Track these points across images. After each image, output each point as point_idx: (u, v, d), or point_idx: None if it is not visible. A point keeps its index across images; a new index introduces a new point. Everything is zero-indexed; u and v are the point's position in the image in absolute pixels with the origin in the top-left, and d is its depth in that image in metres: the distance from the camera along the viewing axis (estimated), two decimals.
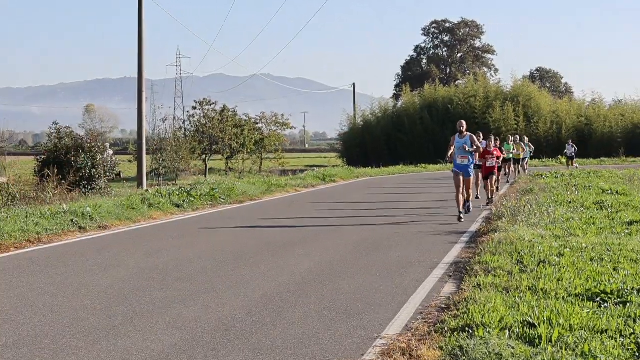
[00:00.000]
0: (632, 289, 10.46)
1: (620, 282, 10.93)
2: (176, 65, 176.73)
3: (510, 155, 39.35)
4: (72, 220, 20.20)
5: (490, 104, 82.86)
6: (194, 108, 78.15)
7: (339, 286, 12.27)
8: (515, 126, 79.86)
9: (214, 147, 75.82)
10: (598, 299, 10.13)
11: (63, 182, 28.51)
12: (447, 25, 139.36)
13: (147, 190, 29.87)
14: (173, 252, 16.27)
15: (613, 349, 7.99)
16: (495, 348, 8.00)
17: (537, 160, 71.34)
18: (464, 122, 22.13)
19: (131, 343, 9.01)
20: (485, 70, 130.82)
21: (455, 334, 8.78)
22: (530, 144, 47.01)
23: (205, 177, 62.54)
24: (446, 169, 24.33)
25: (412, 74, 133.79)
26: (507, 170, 39.36)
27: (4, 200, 25.69)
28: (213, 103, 77.96)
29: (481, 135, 26.52)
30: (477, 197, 27.40)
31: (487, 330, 8.63)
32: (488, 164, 27.01)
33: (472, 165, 22.11)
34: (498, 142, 29.68)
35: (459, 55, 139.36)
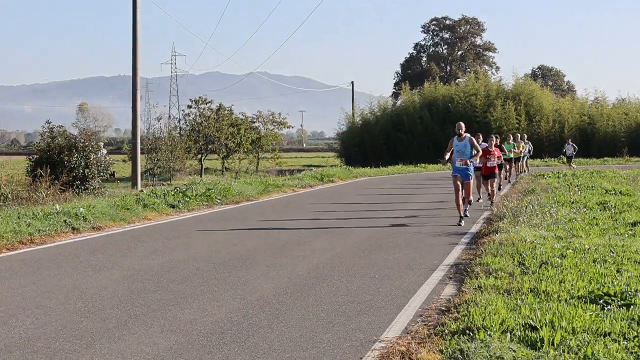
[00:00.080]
0: (636, 291, 10.47)
1: (624, 284, 10.93)
2: (171, 63, 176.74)
3: (511, 155, 39.37)
4: (65, 221, 20.20)
5: (492, 103, 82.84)
6: (190, 107, 78.03)
7: (337, 288, 12.28)
8: (517, 125, 79.84)
9: (210, 146, 75.71)
10: (601, 301, 10.14)
11: (56, 182, 28.49)
12: (448, 22, 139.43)
13: (141, 191, 29.88)
14: (168, 254, 16.27)
15: (616, 352, 7.99)
16: (497, 351, 8.01)
17: (539, 159, 71.41)
18: (462, 124, 21.98)
19: (125, 346, 9.01)
20: (486, 68, 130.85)
21: (456, 336, 8.78)
22: (529, 142, 46.97)
23: (201, 177, 62.41)
24: (446, 169, 24.31)
25: (411, 72, 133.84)
26: (508, 169, 39.33)
27: None
28: (209, 102, 77.84)
29: (481, 136, 26.44)
30: (477, 200, 27.36)
31: (488, 333, 8.64)
32: (489, 164, 26.90)
33: (472, 168, 21.97)
34: (498, 141, 29.65)
35: (460, 53, 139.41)
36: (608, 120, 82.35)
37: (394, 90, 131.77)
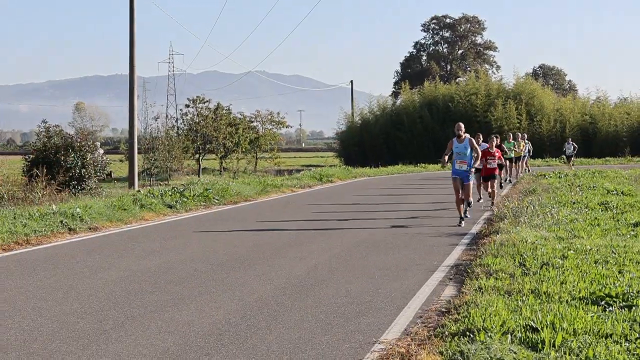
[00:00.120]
0: (638, 292, 10.48)
1: (626, 285, 10.94)
2: (169, 62, 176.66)
3: (512, 154, 39.35)
4: (61, 222, 20.19)
5: (492, 102, 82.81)
6: (187, 106, 78.10)
7: (336, 289, 12.28)
8: (518, 125, 79.82)
9: (208, 146, 75.76)
10: (603, 302, 10.14)
11: (52, 182, 28.52)
12: (448, 21, 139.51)
13: (138, 191, 29.87)
14: (165, 254, 16.27)
15: (618, 354, 8.00)
16: (497, 353, 8.01)
17: (540, 159, 71.40)
18: (462, 125, 21.75)
19: (122, 348, 9.01)
20: (487, 67, 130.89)
21: (456, 338, 8.78)
22: (529, 142, 46.96)
23: (199, 177, 62.51)
24: (446, 168, 24.32)
25: (411, 71, 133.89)
26: (509, 168, 39.28)
27: None
28: (207, 101, 77.89)
29: (481, 136, 26.40)
30: (478, 200, 27.31)
31: (489, 334, 8.64)
32: (489, 165, 26.83)
33: (472, 171, 21.87)
34: (498, 141, 29.62)
35: (460, 51, 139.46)
36: (610, 120, 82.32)
37: (393, 89, 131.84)
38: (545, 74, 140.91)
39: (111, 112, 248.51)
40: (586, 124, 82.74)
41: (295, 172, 55.13)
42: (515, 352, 8.06)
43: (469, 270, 13.28)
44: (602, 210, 21.48)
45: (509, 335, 8.60)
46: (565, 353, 8.01)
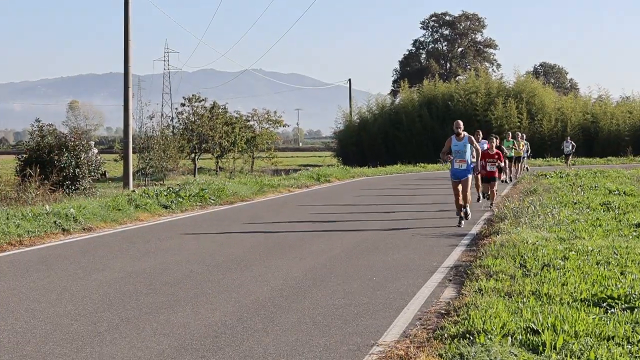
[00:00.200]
0: None
1: (628, 286, 10.94)
2: (164, 60, 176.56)
3: (512, 153, 39.35)
4: (55, 222, 20.18)
5: (492, 101, 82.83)
6: (183, 105, 78.08)
7: (334, 291, 12.28)
8: (519, 124, 79.86)
9: (204, 145, 75.76)
10: (604, 304, 10.14)
11: (46, 182, 28.48)
12: (447, 18, 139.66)
13: (133, 191, 29.87)
14: (161, 256, 16.27)
15: (620, 356, 8.00)
16: (497, 355, 8.01)
17: (540, 159, 71.45)
18: (461, 123, 21.50)
19: (117, 350, 9.01)
20: (487, 65, 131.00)
21: (456, 340, 8.78)
22: (527, 143, 46.96)
23: (195, 177, 62.46)
24: (446, 168, 24.29)
25: (410, 70, 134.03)
26: (509, 168, 39.22)
27: None
28: (202, 99, 77.89)
29: (480, 133, 26.32)
30: (478, 200, 27.23)
31: (489, 337, 8.64)
32: (489, 168, 26.51)
33: (471, 168, 21.71)
34: (498, 141, 29.57)
35: (460, 49, 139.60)
36: (612, 119, 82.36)
37: (392, 88, 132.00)
38: (546, 72, 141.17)
39: (105, 110, 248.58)
40: (588, 123, 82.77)
41: (293, 172, 55.04)
42: (515, 355, 8.06)
43: (468, 272, 13.29)
44: (604, 211, 21.50)
45: (510, 338, 8.60)
46: (566, 356, 8.02)
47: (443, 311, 10.68)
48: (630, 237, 16.40)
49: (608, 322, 9.20)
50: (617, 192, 26.79)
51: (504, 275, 12.19)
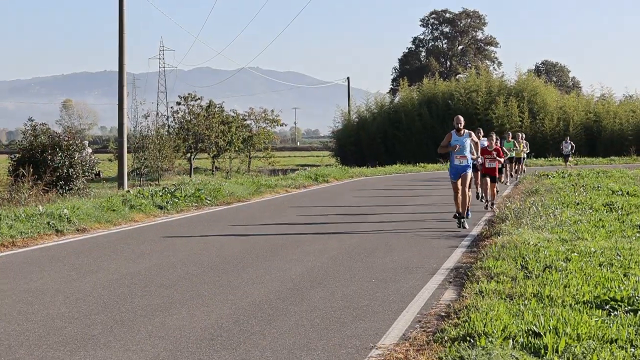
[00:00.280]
0: None
1: (631, 288, 10.95)
2: (159, 58, 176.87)
3: (512, 154, 39.33)
4: (48, 223, 20.18)
5: (493, 100, 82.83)
6: (178, 103, 78.07)
7: (332, 293, 12.28)
8: (520, 123, 79.87)
9: (200, 145, 75.73)
10: (607, 306, 10.15)
11: (39, 182, 28.45)
12: (447, 15, 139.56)
13: (128, 191, 29.85)
14: (156, 257, 16.27)
15: (623, 359, 8.01)
16: (498, 359, 8.02)
17: (542, 159, 71.47)
18: (461, 118, 21.21)
19: (111, 353, 9.01)
20: (488, 63, 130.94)
21: (456, 343, 8.78)
22: (527, 142, 46.90)
23: (190, 177, 62.51)
24: (446, 168, 24.29)
25: (410, 68, 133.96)
26: (509, 171, 39.15)
27: None
28: (198, 98, 77.86)
29: (481, 131, 26.27)
30: (477, 197, 27.16)
31: (490, 339, 8.64)
32: (487, 165, 26.42)
33: (471, 164, 21.43)
34: (498, 141, 29.53)
35: (460, 47, 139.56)
36: (615, 118, 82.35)
37: (391, 86, 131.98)
38: (548, 71, 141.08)
39: (100, 109, 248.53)
40: (590, 122, 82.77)
41: (290, 172, 55.07)
42: (517, 358, 8.07)
43: (469, 273, 13.29)
44: (606, 212, 21.50)
45: (511, 341, 8.61)
46: (568, 359, 8.03)
47: (443, 313, 10.68)
48: (634, 238, 16.39)
49: (611, 324, 9.21)
50: (620, 193, 26.79)
51: (505, 277, 12.20)
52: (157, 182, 57.72)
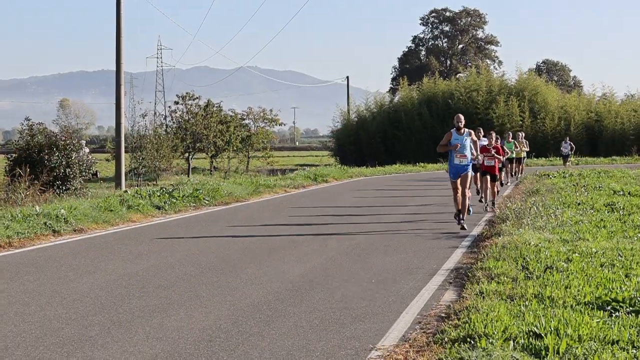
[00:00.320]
0: None
1: (633, 289, 10.94)
2: (157, 57, 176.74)
3: (513, 155, 39.30)
4: (45, 223, 20.18)
5: (494, 99, 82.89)
6: (176, 103, 78.10)
7: (331, 294, 12.28)
8: (521, 122, 79.92)
9: (198, 144, 75.76)
10: (609, 307, 10.15)
11: (35, 182, 28.46)
12: (448, 14, 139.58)
13: (125, 191, 29.85)
14: (153, 258, 16.26)
15: None
16: None
17: (543, 159, 71.49)
18: (462, 117, 21.03)
19: (108, 355, 9.01)
20: (488, 62, 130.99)
21: (456, 345, 8.78)
22: (526, 141, 46.82)
23: (188, 176, 62.54)
24: (446, 167, 24.30)
25: (409, 67, 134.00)
26: (509, 170, 39.06)
27: None
28: (196, 97, 77.88)
29: (481, 131, 26.22)
30: (480, 199, 27.16)
31: (490, 341, 8.64)
32: (486, 163, 26.35)
33: (471, 164, 21.26)
34: (499, 140, 29.48)
35: (460, 46, 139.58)
36: (616, 118, 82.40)
37: (391, 85, 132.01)
38: (549, 70, 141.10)
39: (97, 109, 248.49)
40: (592, 122, 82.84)
41: (289, 172, 55.09)
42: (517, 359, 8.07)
43: (469, 274, 13.28)
44: (608, 212, 21.50)
45: (512, 342, 8.61)
46: None
47: (443, 314, 10.68)
48: (635, 238, 16.39)
49: (612, 325, 9.20)
50: (621, 193, 26.79)
51: (505, 278, 12.19)
52: (154, 182, 57.71)
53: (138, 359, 8.84)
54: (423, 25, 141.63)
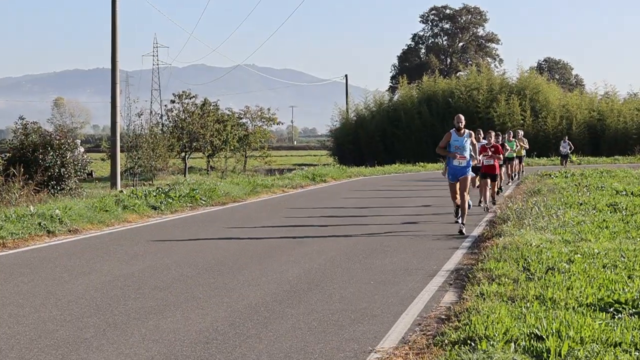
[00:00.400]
0: None
1: (636, 291, 10.95)
2: (153, 55, 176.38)
3: (514, 154, 39.27)
4: (39, 224, 20.17)
5: (495, 98, 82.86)
6: (173, 101, 78.12)
7: (330, 295, 12.28)
8: (522, 121, 79.90)
9: (194, 144, 75.78)
10: (611, 309, 10.15)
11: (30, 182, 28.44)
12: (448, 11, 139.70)
13: (121, 191, 29.84)
14: (149, 258, 16.26)
15: None
16: None
17: (545, 158, 71.47)
18: (462, 117, 20.77)
19: (104, 357, 9.00)
20: (489, 60, 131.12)
21: (457, 347, 8.78)
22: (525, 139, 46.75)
23: (185, 176, 62.40)
24: (443, 168, 24.27)
25: (409, 65, 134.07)
26: (509, 170, 39.00)
27: None
28: (193, 96, 77.92)
29: (481, 132, 26.18)
30: (479, 202, 27.09)
31: (491, 343, 8.64)
32: (486, 162, 26.29)
33: (470, 165, 21.05)
34: (500, 139, 29.45)
35: (461, 44, 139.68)
36: (619, 117, 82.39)
37: (390, 84, 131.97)
38: (551, 68, 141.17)
39: (92, 108, 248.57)
40: (594, 121, 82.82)
41: (287, 172, 55.07)
42: None
43: (470, 275, 13.29)
44: (610, 212, 21.50)
45: (513, 344, 8.61)
46: None
47: (443, 316, 10.68)
48: (638, 239, 16.39)
49: (615, 327, 9.21)
50: (624, 193, 26.79)
51: (506, 279, 12.19)
52: (150, 182, 57.72)
53: None
54: (423, 22, 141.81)
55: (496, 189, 26.74)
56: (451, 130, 20.66)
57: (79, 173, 33.19)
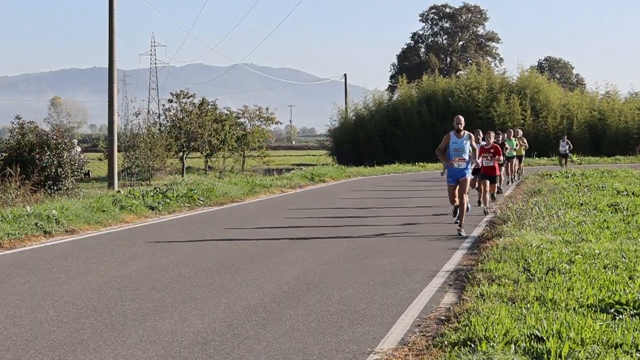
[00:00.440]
0: None
1: (637, 291, 10.95)
2: (151, 54, 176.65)
3: (514, 153, 39.24)
4: (36, 224, 20.16)
5: (495, 97, 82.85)
6: (170, 101, 78.09)
7: (328, 296, 12.28)
8: (522, 121, 79.88)
9: (192, 143, 75.75)
10: (612, 310, 10.15)
11: (26, 182, 28.44)
12: (448, 10, 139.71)
13: (118, 191, 29.84)
14: (147, 259, 16.25)
15: None
16: None
17: (545, 158, 71.46)
18: (462, 119, 20.81)
19: (101, 358, 9.00)
20: (489, 59, 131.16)
21: (456, 348, 8.78)
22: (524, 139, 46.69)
23: (183, 176, 62.44)
24: (442, 168, 24.28)
25: (409, 64, 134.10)
26: (510, 170, 38.96)
27: None
28: (191, 95, 77.90)
29: (481, 133, 26.13)
30: (478, 203, 27.04)
31: (491, 344, 8.64)
32: (485, 163, 26.27)
33: (470, 168, 20.96)
34: (500, 138, 29.41)
35: (461, 43, 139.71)
36: (620, 116, 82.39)
37: (390, 83, 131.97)
38: (552, 67, 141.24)
39: (89, 107, 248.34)
40: (595, 121, 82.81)
41: (285, 172, 55.05)
42: None
43: (470, 276, 13.29)
44: (611, 212, 21.49)
45: (513, 345, 8.61)
46: None
47: (443, 317, 10.68)
48: (639, 239, 16.39)
49: (616, 328, 9.21)
50: (625, 193, 26.78)
51: (506, 280, 12.19)
52: (148, 182, 57.73)
53: None
54: (423, 21, 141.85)
55: (496, 190, 26.69)
56: (450, 132, 20.57)
57: (76, 173, 33.21)
